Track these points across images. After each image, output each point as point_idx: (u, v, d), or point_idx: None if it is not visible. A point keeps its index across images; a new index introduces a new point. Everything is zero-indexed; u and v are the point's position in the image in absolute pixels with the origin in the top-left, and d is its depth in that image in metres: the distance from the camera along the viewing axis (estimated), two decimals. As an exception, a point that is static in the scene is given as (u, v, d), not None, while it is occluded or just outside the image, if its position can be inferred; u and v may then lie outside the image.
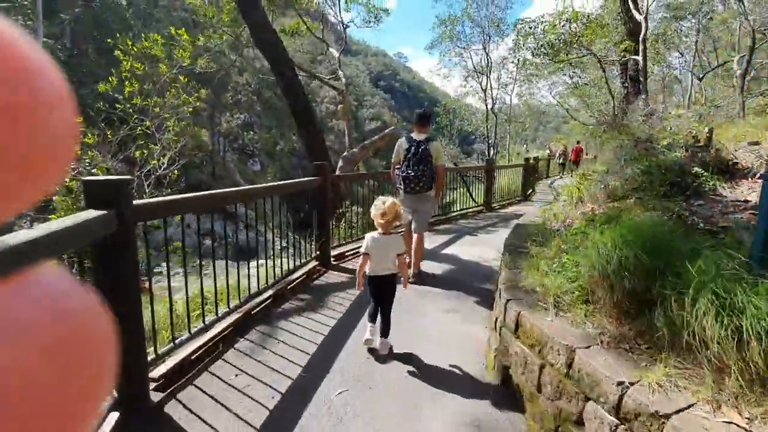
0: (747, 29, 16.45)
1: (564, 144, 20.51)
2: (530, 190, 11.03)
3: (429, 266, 4.66)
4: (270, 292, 3.60)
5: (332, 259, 4.82)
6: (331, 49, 9.72)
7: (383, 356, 2.73)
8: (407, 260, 3.81)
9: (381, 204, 2.62)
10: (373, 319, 2.83)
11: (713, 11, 14.98)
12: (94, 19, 23.91)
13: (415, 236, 4.16)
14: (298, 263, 4.24)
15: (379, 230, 2.67)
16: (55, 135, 0.14)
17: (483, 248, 5.55)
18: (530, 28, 10.09)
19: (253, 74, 46.84)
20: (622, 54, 8.69)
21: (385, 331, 2.76)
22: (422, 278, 4.17)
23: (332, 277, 4.45)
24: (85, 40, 24.22)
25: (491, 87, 14.56)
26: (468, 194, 8.36)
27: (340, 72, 9.05)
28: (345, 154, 8.37)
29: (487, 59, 15.34)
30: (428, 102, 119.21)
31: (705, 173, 3.53)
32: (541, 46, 9.76)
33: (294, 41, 11.38)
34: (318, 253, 4.62)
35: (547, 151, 20.78)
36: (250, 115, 46.21)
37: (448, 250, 5.55)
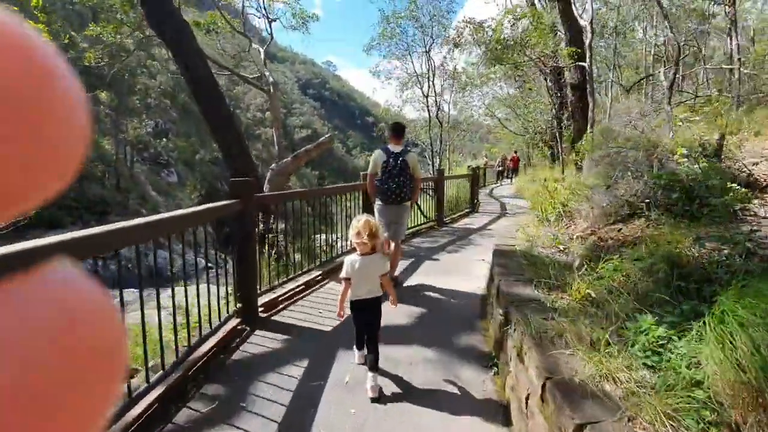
0: (656, 47, 17.72)
1: (503, 154, 20.80)
2: (475, 201, 10.49)
3: (398, 313, 3.49)
4: (153, 394, 2.19)
5: (260, 310, 3.49)
6: (254, 46, 8.28)
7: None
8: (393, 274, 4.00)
9: (355, 223, 2.48)
10: (360, 347, 2.71)
11: (631, 31, 15.94)
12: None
13: (393, 244, 4.22)
14: (207, 330, 2.85)
15: (358, 251, 2.48)
16: (65, 139, 0.14)
17: (454, 278, 4.52)
18: (474, 29, 9.58)
19: (167, 75, 42.80)
20: (571, 61, 8.40)
21: (374, 363, 2.45)
22: (397, 283, 4.22)
23: (263, 340, 3.11)
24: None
25: (434, 92, 13.79)
26: (418, 209, 7.40)
27: (266, 71, 7.66)
28: (274, 165, 6.99)
29: (430, 62, 14.31)
30: (359, 111, 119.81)
31: (737, 187, 2.84)
32: (490, 47, 9.26)
33: (211, 39, 9.74)
34: (239, 305, 3.29)
35: (483, 160, 20.91)
36: (164, 120, 41.97)
37: (411, 282, 4.44)
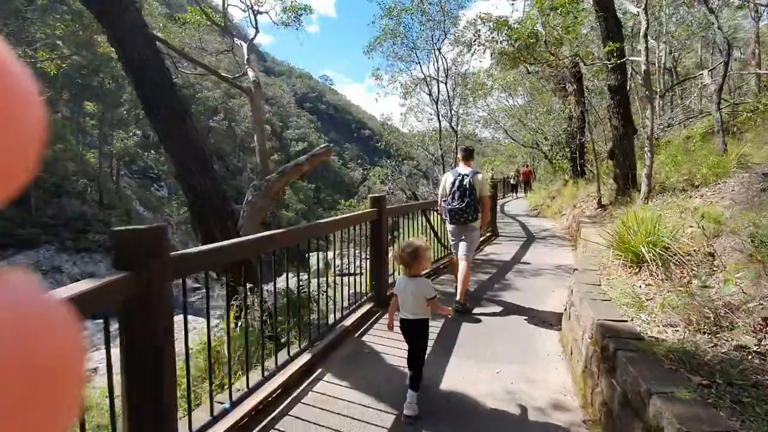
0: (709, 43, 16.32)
1: (517, 167, 19.33)
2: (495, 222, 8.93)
3: None
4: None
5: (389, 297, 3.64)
6: (237, 41, 6.76)
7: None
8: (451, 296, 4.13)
9: (404, 246, 2.46)
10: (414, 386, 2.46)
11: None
12: None
13: (461, 264, 4.10)
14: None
15: (406, 273, 2.46)
16: (21, 136, 0.13)
17: (519, 368, 2.90)
18: (497, 24, 8.11)
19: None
20: (611, 59, 6.94)
21: (414, 382, 2.38)
22: (467, 309, 4.01)
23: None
24: None
25: (447, 95, 11.56)
26: (435, 238, 5.78)
27: (248, 68, 6.11)
28: (256, 182, 5.40)
29: (441, 61, 11.97)
30: (355, 124, 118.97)
31: None
32: (515, 44, 7.80)
33: (189, 36, 8.23)
34: (372, 292, 4.03)
35: (489, 174, 19.46)
36: (155, 133, 40.38)
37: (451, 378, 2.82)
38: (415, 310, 2.38)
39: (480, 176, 4.15)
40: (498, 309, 4.12)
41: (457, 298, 3.98)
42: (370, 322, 3.61)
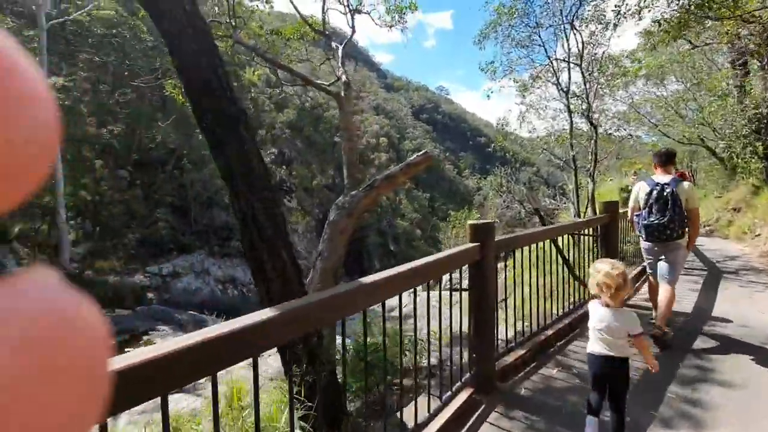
0: None
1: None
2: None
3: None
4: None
5: (497, 377, 2.57)
6: (333, 43, 6.15)
7: None
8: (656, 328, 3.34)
9: (593, 271, 2.06)
10: (594, 412, 2.08)
11: None
12: (120, 51, 22.53)
13: (663, 287, 3.52)
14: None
15: (603, 302, 2.05)
16: (31, 135, 0.12)
17: None
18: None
19: (294, 110, 45.62)
20: None
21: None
22: (666, 344, 3.30)
23: (502, 421, 2.17)
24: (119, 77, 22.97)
25: (584, 81, 8.17)
26: (572, 277, 4.01)
27: (341, 69, 5.38)
28: (340, 199, 4.58)
29: (577, 39, 8.57)
30: (471, 131, 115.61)
31: None
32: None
33: (293, 45, 8.00)
34: (473, 371, 2.55)
35: (631, 179, 15.99)
36: (290, 150, 44.60)
37: None
38: (616, 347, 2.01)
39: (686, 185, 3.53)
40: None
41: (656, 322, 3.44)
42: (470, 425, 2.25)
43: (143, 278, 18.96)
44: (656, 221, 3.45)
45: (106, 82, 23.26)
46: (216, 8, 8.99)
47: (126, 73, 22.55)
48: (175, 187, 24.80)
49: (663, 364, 2.51)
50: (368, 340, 2.07)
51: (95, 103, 22.06)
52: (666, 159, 3.63)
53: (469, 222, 2.19)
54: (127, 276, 18.92)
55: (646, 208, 3.53)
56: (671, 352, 3.17)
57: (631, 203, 3.82)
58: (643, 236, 3.62)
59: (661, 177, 3.57)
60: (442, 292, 4.31)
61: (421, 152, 4.85)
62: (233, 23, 5.84)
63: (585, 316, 2.87)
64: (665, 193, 3.44)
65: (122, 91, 23.01)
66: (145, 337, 12.98)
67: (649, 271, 3.77)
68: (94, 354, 0.13)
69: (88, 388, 0.13)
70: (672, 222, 3.41)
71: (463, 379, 2.49)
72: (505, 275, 3.27)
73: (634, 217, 3.73)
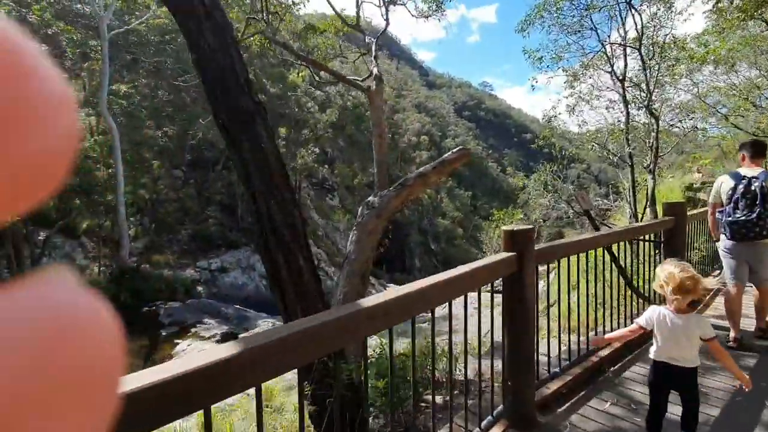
0: None
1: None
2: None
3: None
4: None
5: (537, 407, 2.13)
6: (366, 37, 5.94)
7: None
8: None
9: (660, 272, 1.88)
10: (654, 428, 1.91)
11: None
12: (175, 57, 23.73)
13: (763, 291, 3.26)
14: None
15: (670, 307, 1.87)
16: (50, 142, 0.12)
17: None
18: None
19: (336, 109, 46.14)
20: None
21: None
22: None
23: None
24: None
25: (645, 71, 7.21)
26: (629, 289, 3.43)
27: (373, 62, 5.13)
28: (370, 198, 4.35)
29: (635, 20, 7.56)
30: (515, 128, 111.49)
31: None
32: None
33: (328, 41, 7.86)
34: (509, 400, 2.10)
35: (696, 175, 14.47)
36: (332, 149, 45.22)
37: None
38: (688, 355, 1.85)
39: None
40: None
41: (758, 326, 3.26)
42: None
43: (194, 272, 19.89)
44: (743, 218, 3.18)
45: (163, 87, 24.64)
46: (258, 4, 8.95)
47: (180, 78, 23.73)
48: (224, 185, 25.85)
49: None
50: (396, 349, 1.80)
51: (153, 107, 23.42)
52: (755, 150, 3.33)
53: (504, 228, 1.85)
54: (180, 270, 19.92)
55: (731, 204, 3.26)
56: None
57: (711, 199, 3.54)
58: (728, 234, 3.31)
59: (749, 170, 3.28)
60: (482, 294, 3.94)
61: (457, 148, 4.50)
62: (267, 19, 5.77)
63: (645, 337, 2.43)
64: (753, 187, 3.15)
65: (178, 95, 24.25)
66: (192, 329, 13.53)
67: (729, 276, 3.35)
68: (105, 364, 0.13)
69: (98, 393, 0.12)
70: (761, 219, 3.11)
71: (494, 413, 2.08)
72: (548, 282, 2.89)
73: (717, 214, 3.44)
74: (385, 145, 4.74)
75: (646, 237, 3.22)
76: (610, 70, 7.33)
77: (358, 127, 48.92)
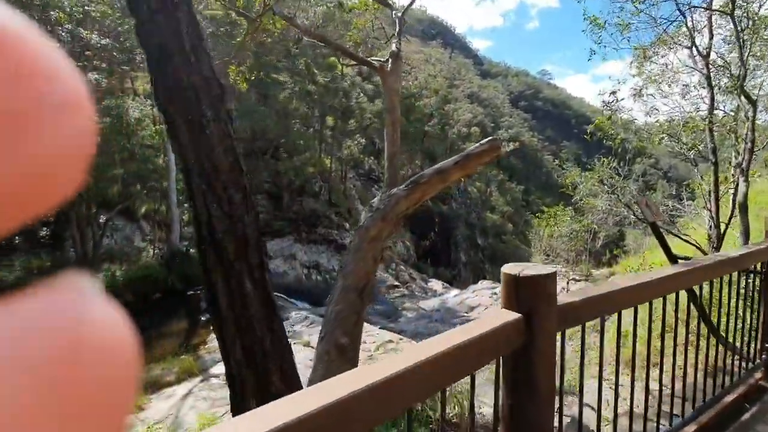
0: None
1: None
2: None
3: None
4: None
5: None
6: (392, 12, 5.17)
7: None
8: None
9: None
10: None
11: None
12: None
13: None
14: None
15: None
16: (64, 143, 0.12)
17: None
18: None
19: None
20: None
21: None
22: None
23: None
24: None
25: (740, 45, 5.45)
26: (719, 344, 2.46)
27: (394, 42, 4.36)
28: (377, 198, 3.68)
29: None
30: (575, 119, 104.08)
31: None
32: None
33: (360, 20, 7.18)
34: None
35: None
36: (380, 140, 44.72)
37: None
38: None
39: None
40: None
41: None
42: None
43: (239, 258, 20.44)
44: None
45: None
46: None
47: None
48: (270, 174, 26.29)
49: None
50: None
51: (207, 98, 24.25)
52: None
53: (505, 269, 1.09)
54: (227, 255, 20.55)
55: None
56: None
57: None
58: None
59: None
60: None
61: (486, 139, 3.67)
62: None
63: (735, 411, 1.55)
64: None
65: (230, 85, 24.93)
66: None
67: None
68: (124, 376, 0.12)
69: (112, 412, 0.12)
70: None
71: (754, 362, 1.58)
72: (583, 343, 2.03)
73: None
74: (398, 135, 4.01)
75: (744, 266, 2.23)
76: (690, 44, 5.87)
77: (408, 117, 47.92)
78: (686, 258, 2.77)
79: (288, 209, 24.81)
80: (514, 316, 1.09)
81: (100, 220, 17.38)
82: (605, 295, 1.29)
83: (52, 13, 13.58)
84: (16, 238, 15.70)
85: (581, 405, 1.39)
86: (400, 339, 9.83)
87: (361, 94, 38.31)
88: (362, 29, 7.07)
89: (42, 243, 16.89)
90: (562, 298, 1.19)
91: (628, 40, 6.33)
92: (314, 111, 32.42)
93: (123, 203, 18.11)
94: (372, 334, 9.94)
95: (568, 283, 14.02)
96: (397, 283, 22.11)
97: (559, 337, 1.23)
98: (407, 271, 26.05)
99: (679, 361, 1.84)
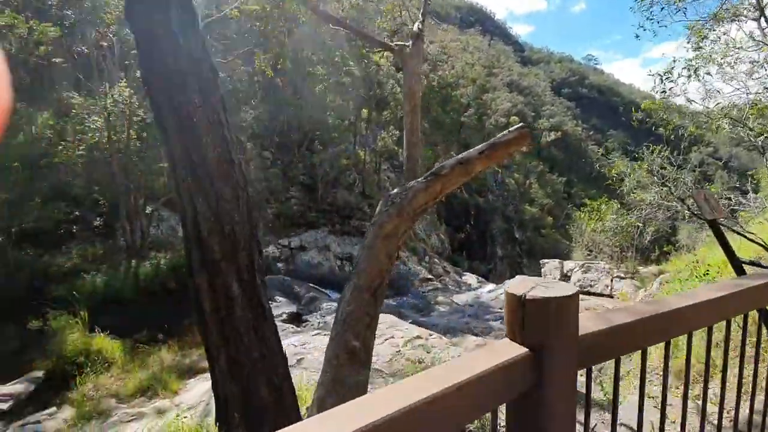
0: None
1: None
2: None
3: None
4: None
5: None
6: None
7: None
8: None
9: None
10: None
11: None
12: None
13: None
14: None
15: None
16: None
17: None
18: None
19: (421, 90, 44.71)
20: None
21: None
22: None
23: None
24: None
25: None
26: None
27: (420, 18, 4.04)
28: (395, 191, 3.43)
29: None
30: (623, 106, 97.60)
31: None
32: None
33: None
34: None
35: None
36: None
37: None
38: None
39: None
40: None
41: None
42: None
43: (275, 249, 20.85)
44: None
45: (255, 72, 25.87)
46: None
47: (272, 63, 24.60)
48: (305, 166, 26.63)
49: None
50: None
51: (247, 90, 24.76)
52: None
53: (509, 288, 0.83)
54: (264, 247, 21.06)
55: None
56: None
57: None
58: None
59: None
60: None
61: (515, 126, 3.32)
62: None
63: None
64: None
65: (267, 79, 25.23)
66: (264, 305, 13.99)
67: None
68: None
69: None
70: None
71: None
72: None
73: None
74: (418, 123, 3.71)
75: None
76: (757, 16, 5.03)
77: (444, 108, 46.85)
78: (754, 263, 2.32)
79: (322, 201, 25.05)
80: (520, 350, 0.82)
81: (147, 211, 18.28)
82: (646, 319, 0.98)
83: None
84: (74, 227, 16.81)
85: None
86: (430, 335, 9.56)
87: (396, 85, 37.79)
88: (395, 18, 6.76)
89: (96, 232, 18.03)
90: (588, 324, 0.91)
91: (685, 13, 5.59)
92: (349, 103, 32.41)
93: (167, 195, 18.94)
94: (401, 329, 9.75)
95: (612, 280, 13.30)
96: (430, 276, 21.80)
97: (582, 375, 0.95)
98: (441, 264, 25.63)
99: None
